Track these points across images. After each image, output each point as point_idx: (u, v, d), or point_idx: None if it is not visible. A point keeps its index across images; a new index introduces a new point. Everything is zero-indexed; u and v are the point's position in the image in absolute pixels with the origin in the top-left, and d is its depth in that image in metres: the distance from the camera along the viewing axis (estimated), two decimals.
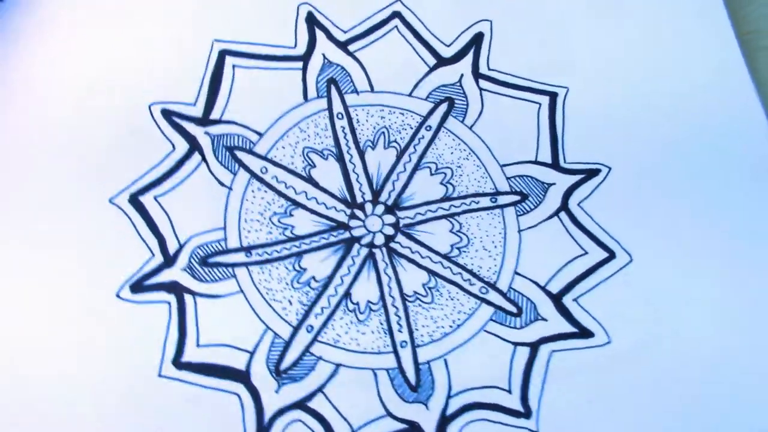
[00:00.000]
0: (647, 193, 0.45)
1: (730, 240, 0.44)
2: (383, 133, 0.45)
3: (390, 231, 0.44)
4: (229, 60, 0.46)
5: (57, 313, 0.40)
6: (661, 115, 0.46)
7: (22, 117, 0.44)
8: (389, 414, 0.40)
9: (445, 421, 0.40)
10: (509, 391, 0.41)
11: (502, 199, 0.44)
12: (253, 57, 0.46)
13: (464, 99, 0.46)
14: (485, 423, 0.40)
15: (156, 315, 0.41)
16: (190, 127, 0.45)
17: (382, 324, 0.42)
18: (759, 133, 0.46)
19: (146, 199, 0.43)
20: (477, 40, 0.47)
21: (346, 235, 0.43)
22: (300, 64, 0.46)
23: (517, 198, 0.44)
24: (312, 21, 0.47)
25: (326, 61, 0.46)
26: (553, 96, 0.46)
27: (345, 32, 0.47)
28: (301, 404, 0.40)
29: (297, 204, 0.44)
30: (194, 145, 0.44)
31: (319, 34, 0.47)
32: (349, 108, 0.46)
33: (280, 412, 0.40)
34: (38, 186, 0.42)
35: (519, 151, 0.45)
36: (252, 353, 0.41)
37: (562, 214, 0.44)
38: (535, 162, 0.45)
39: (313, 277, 0.42)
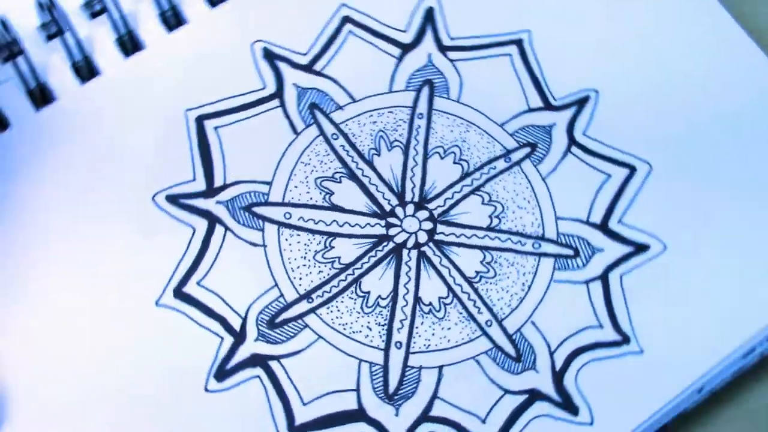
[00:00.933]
0: (641, 107, 0.47)
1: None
2: (381, 136, 0.46)
3: (429, 225, 0.44)
4: (209, 123, 0.45)
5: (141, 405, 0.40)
6: (640, 34, 0.48)
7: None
8: (507, 391, 0.42)
9: (558, 376, 0.42)
10: (601, 326, 0.43)
11: (515, 156, 0.46)
12: (229, 112, 0.45)
13: (441, 76, 0.47)
14: (595, 363, 0.42)
15: (251, 392, 0.41)
16: (201, 203, 0.44)
17: (461, 313, 0.43)
18: None
19: (191, 289, 0.42)
20: (429, 15, 0.48)
21: (391, 245, 0.44)
22: (277, 102, 0.45)
23: (528, 150, 0.46)
24: (270, 56, 0.46)
25: (299, 89, 0.46)
26: (518, 43, 0.47)
27: (305, 54, 0.46)
28: (425, 417, 0.41)
29: (333, 234, 0.44)
30: (212, 219, 0.43)
31: (283, 65, 0.46)
32: (339, 125, 0.45)
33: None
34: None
35: (511, 106, 0.46)
36: (357, 390, 0.42)
37: (574, 149, 0.46)
38: (529, 110, 0.47)
39: (380, 296, 0.43)
